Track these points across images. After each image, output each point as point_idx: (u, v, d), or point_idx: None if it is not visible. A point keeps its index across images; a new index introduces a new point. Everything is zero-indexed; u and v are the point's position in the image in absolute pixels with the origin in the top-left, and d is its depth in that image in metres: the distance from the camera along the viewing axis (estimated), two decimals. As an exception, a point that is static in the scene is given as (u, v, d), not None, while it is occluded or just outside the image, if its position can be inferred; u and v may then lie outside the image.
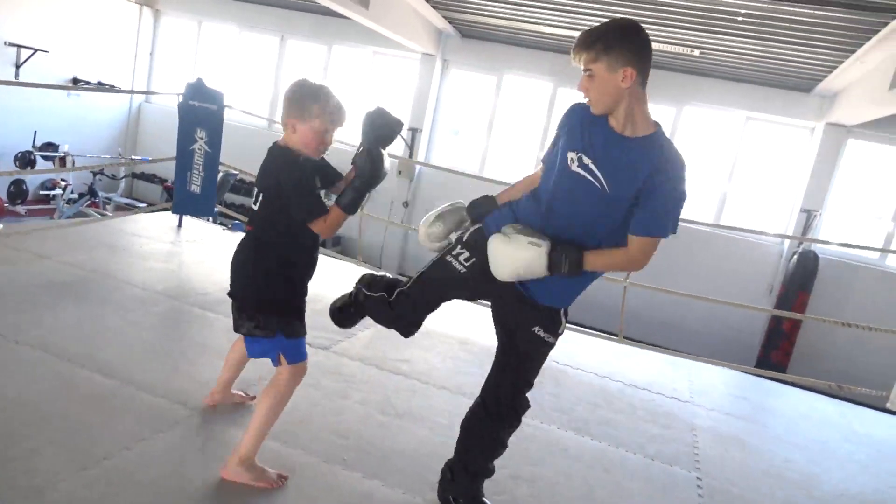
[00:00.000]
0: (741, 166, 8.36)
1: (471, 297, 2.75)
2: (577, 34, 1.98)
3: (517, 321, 2.27)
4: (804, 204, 7.85)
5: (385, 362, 3.78)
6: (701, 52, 7.20)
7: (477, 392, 2.47)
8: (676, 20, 6.34)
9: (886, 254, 7.78)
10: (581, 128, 2.02)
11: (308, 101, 2.20)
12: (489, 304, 2.39)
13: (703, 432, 3.68)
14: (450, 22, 8.54)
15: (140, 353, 3.26)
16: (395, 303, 2.39)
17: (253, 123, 9.05)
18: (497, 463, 2.55)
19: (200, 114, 4.97)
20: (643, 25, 2.01)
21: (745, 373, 5.34)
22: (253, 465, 2.34)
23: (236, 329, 2.35)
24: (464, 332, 4.57)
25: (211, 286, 4.41)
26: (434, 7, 8.00)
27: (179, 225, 5.68)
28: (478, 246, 2.18)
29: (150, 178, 10.74)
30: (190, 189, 5.16)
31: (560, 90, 8.85)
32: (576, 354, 4.59)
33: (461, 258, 2.25)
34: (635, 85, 1.91)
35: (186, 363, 3.25)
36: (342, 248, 9.60)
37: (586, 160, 1.97)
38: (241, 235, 2.53)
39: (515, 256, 2.00)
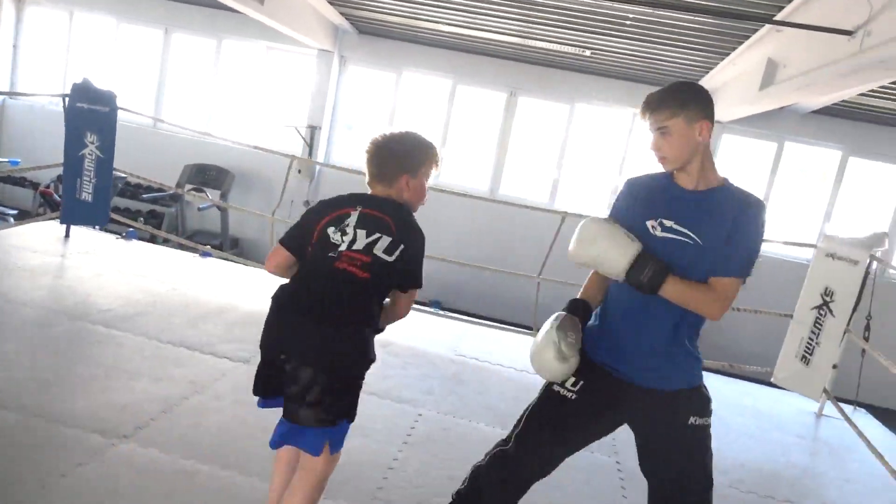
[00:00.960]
0: (630, 161, 8.88)
1: (588, 433, 2.20)
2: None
3: (666, 421, 1.99)
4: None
5: (309, 371, 3.72)
6: (591, 53, 7.56)
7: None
8: (568, 22, 6.62)
9: (770, 242, 8.54)
10: (649, 196, 2.02)
11: (421, 153, 2.08)
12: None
13: (618, 417, 3.92)
14: (346, 18, 8.43)
15: (43, 380, 3.02)
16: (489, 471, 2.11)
17: (135, 121, 8.50)
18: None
19: (90, 117, 4.64)
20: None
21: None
22: None
23: (298, 419, 1.87)
24: (385, 333, 4.57)
25: (114, 301, 4.14)
26: (330, 3, 7.86)
27: (67, 235, 5.27)
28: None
29: (20, 181, 9.82)
30: (80, 197, 4.80)
31: (459, 87, 8.99)
32: (494, 351, 4.73)
33: (567, 384, 2.02)
34: (707, 139, 1.94)
35: (98, 388, 3.05)
36: (240, 251, 9.27)
37: (668, 223, 1.95)
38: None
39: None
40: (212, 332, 3.98)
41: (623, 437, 3.66)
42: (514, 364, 4.50)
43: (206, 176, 8.69)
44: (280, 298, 1.97)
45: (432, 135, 8.82)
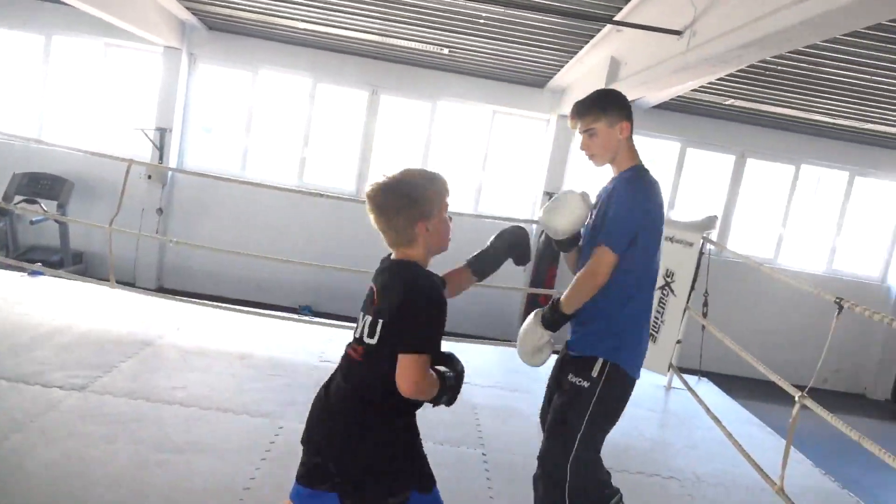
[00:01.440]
0: (492, 156, 9.11)
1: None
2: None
3: (558, 379, 2.44)
4: (546, 187, 8.83)
5: (156, 393, 3.45)
6: (450, 51, 7.66)
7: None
8: (426, 20, 6.65)
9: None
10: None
11: (427, 189, 1.86)
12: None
13: (483, 410, 3.97)
14: (194, 13, 7.95)
15: None
16: None
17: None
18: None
19: None
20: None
21: (513, 347, 5.86)
22: None
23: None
24: (242, 345, 4.35)
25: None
26: (174, -4, 7.38)
27: None
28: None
29: None
30: None
31: (320, 86, 8.77)
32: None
33: None
34: (630, 137, 2.29)
35: None
36: (85, 267, 8.50)
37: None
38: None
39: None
40: (40, 358, 3.58)
41: (489, 430, 3.72)
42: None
43: (40, 186, 7.86)
44: None
45: (293, 135, 8.60)
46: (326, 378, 1.93)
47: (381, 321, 1.78)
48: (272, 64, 8.75)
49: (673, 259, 4.76)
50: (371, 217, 1.85)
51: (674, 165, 9.08)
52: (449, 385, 1.87)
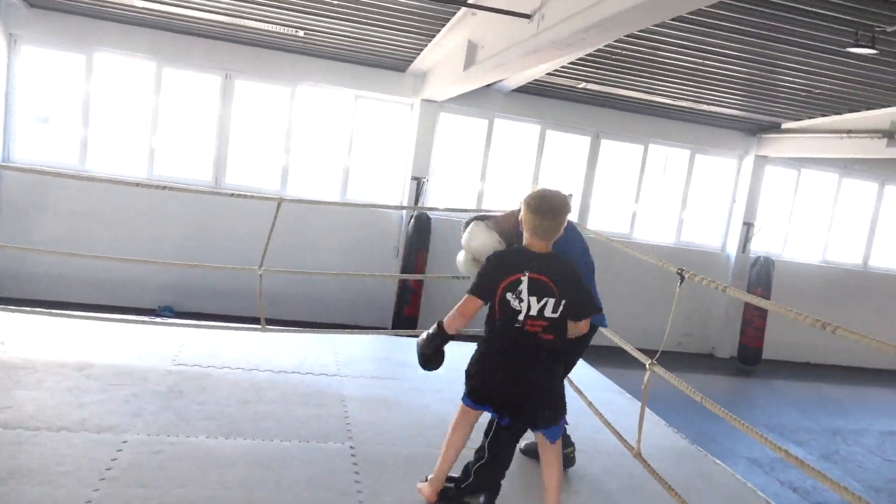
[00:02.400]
0: (358, 142, 8.92)
1: None
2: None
3: None
4: (414, 172, 8.79)
5: (-28, 417, 3.02)
6: (305, 33, 7.36)
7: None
8: (277, 1, 6.33)
9: (480, 212, 9.24)
10: None
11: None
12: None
13: (352, 401, 3.87)
14: (11, -12, 7.07)
15: None
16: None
17: None
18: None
19: None
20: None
21: (385, 335, 5.80)
22: None
23: (546, 425, 2.65)
24: (82, 355, 3.94)
25: None
26: (-16, -32, 6.51)
27: None
28: None
29: None
30: None
31: (166, 70, 8.14)
32: (222, 352, 4.36)
33: None
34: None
35: None
36: None
37: None
38: None
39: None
40: None
41: (357, 421, 3.62)
42: (242, 364, 4.20)
43: None
44: None
45: (139, 124, 7.90)
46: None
47: (563, 301, 2.50)
48: (108, 46, 7.99)
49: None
50: (550, 220, 2.54)
51: (535, 147, 9.36)
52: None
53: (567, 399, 2.79)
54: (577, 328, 2.63)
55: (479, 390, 2.64)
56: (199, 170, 8.46)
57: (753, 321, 9.83)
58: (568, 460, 3.27)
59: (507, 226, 3.03)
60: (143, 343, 4.35)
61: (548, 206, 2.53)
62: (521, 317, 2.48)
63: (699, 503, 2.79)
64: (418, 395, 4.14)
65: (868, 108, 7.60)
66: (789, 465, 6.08)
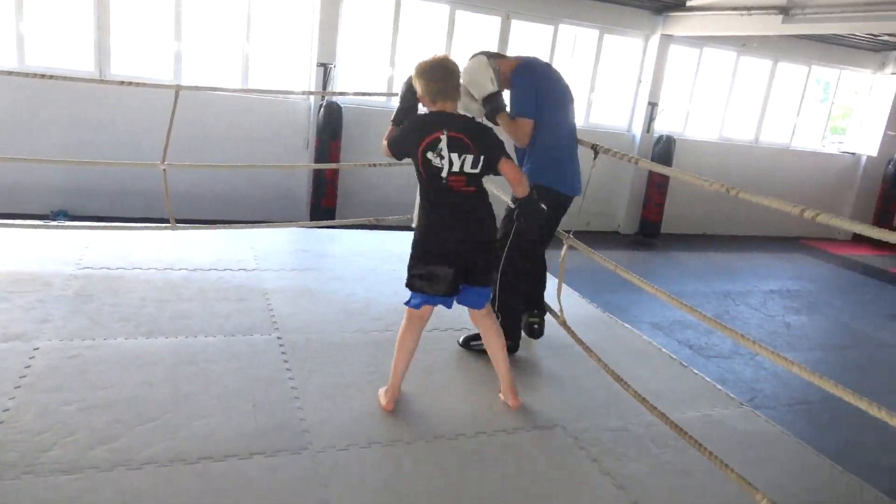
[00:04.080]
0: (257, 26, 8.28)
1: None
2: None
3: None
4: (319, 58, 8.33)
5: None
6: None
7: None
8: None
9: (391, 97, 8.95)
10: None
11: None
12: None
13: (275, 294, 3.84)
14: None
15: None
16: None
17: None
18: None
19: None
20: None
21: (302, 227, 5.71)
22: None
23: (486, 283, 2.81)
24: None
25: None
26: None
27: None
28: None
29: None
30: None
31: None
32: (130, 253, 4.17)
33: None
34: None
35: None
36: None
37: None
38: None
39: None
40: None
41: (282, 312, 3.61)
42: (155, 264, 4.04)
43: None
44: None
45: (3, 8, 6.89)
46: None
47: (482, 156, 2.63)
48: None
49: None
50: (450, 81, 2.69)
51: (445, 29, 9.04)
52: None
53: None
54: (510, 172, 2.69)
55: (428, 257, 2.68)
56: (78, 59, 7.65)
57: (654, 197, 10.38)
58: (531, 329, 3.49)
59: (506, 68, 3.18)
60: (40, 249, 4.08)
61: (441, 70, 2.68)
62: (443, 174, 2.59)
63: (613, 361, 3.02)
64: (342, 284, 4.16)
65: (767, -16, 7.75)
66: (686, 327, 6.69)
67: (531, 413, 2.89)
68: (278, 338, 3.29)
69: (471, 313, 2.89)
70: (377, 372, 3.03)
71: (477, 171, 2.62)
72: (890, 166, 11.78)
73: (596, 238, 9.73)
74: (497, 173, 2.71)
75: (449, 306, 2.76)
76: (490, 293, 2.87)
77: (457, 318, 3.45)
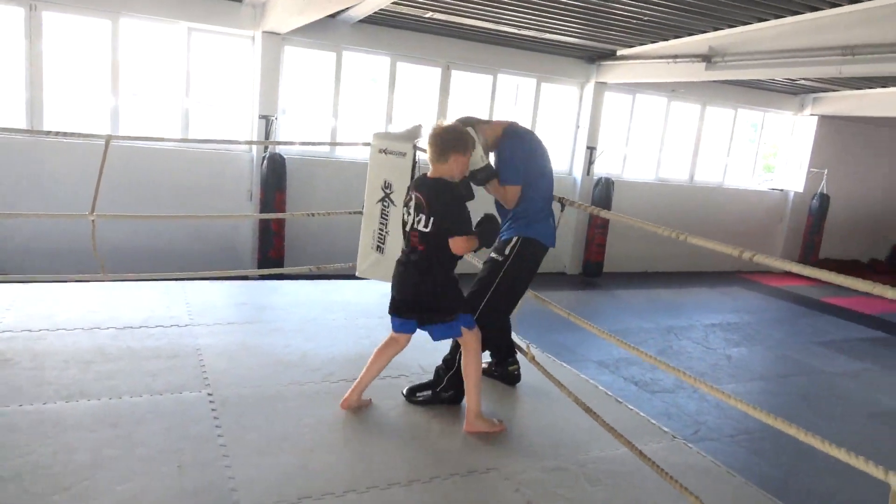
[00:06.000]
0: (197, 80, 8.29)
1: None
2: None
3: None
4: (261, 110, 8.37)
5: None
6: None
7: None
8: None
9: (335, 146, 9.03)
10: None
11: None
12: None
13: (208, 350, 3.75)
14: None
15: None
16: None
17: None
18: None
19: None
20: None
21: (243, 280, 5.62)
22: (483, 417, 3.10)
23: (440, 321, 3.02)
24: None
25: None
26: None
27: None
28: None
29: None
30: None
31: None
32: (55, 314, 4.03)
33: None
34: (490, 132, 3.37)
35: None
36: None
37: None
38: None
39: None
40: None
41: (215, 368, 3.53)
42: (82, 323, 3.91)
43: None
44: None
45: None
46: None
47: (432, 218, 2.90)
48: None
49: (389, 171, 4.85)
50: (428, 147, 2.98)
51: (387, 79, 9.23)
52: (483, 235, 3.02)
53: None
54: (455, 245, 2.92)
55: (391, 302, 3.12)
56: (9, 114, 7.50)
57: (595, 238, 10.65)
58: (513, 377, 3.69)
59: (490, 134, 3.33)
60: (-42, 312, 3.91)
61: (429, 138, 3.00)
62: (407, 227, 2.99)
63: (555, 401, 3.05)
64: (280, 336, 4.09)
65: (689, 35, 8.20)
66: (631, 363, 6.79)
67: (466, 457, 2.87)
68: (209, 394, 3.20)
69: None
70: (311, 424, 2.98)
71: (427, 230, 2.89)
72: (814, 201, 12.39)
73: (543, 279, 9.83)
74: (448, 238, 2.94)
75: (411, 330, 3.11)
76: (455, 325, 3.03)
77: (404, 366, 3.44)
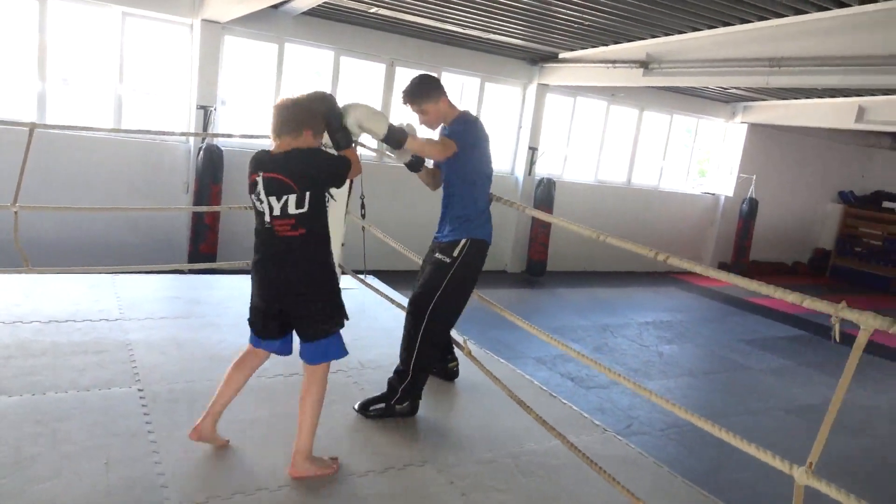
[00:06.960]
0: (131, 67, 7.99)
1: None
2: None
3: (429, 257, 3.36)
4: (199, 100, 8.14)
5: None
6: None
7: None
8: None
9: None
10: None
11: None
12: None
13: (139, 345, 3.65)
14: None
15: None
16: None
17: None
18: None
19: None
20: None
21: (177, 274, 5.48)
22: (314, 458, 2.60)
23: (309, 337, 2.54)
24: None
25: None
26: None
27: None
28: None
29: None
30: None
31: None
32: (-28, 307, 3.83)
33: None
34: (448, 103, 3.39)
35: None
36: None
37: None
38: None
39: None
40: None
41: (146, 363, 3.44)
42: (2, 317, 3.74)
43: None
44: None
45: None
46: None
47: (307, 192, 2.43)
48: None
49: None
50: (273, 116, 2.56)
51: (330, 74, 9.14)
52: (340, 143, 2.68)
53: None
54: (352, 155, 2.64)
55: (252, 298, 2.62)
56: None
57: (538, 237, 10.84)
58: (451, 373, 3.72)
59: (446, 108, 3.39)
60: None
61: (274, 108, 2.55)
62: (266, 219, 2.48)
63: (489, 395, 3.11)
64: (213, 331, 4.02)
65: (628, 41, 8.45)
66: (567, 360, 6.95)
67: (401, 451, 2.90)
68: (139, 390, 3.12)
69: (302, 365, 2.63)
70: (245, 419, 2.94)
71: (304, 209, 2.41)
72: (744, 205, 12.97)
73: (484, 277, 9.96)
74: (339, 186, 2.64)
75: (280, 352, 2.71)
76: (321, 349, 2.56)
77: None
